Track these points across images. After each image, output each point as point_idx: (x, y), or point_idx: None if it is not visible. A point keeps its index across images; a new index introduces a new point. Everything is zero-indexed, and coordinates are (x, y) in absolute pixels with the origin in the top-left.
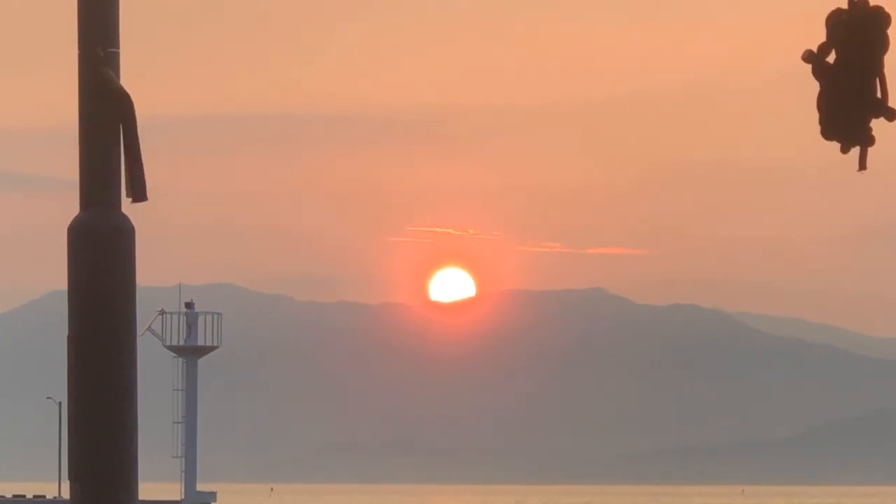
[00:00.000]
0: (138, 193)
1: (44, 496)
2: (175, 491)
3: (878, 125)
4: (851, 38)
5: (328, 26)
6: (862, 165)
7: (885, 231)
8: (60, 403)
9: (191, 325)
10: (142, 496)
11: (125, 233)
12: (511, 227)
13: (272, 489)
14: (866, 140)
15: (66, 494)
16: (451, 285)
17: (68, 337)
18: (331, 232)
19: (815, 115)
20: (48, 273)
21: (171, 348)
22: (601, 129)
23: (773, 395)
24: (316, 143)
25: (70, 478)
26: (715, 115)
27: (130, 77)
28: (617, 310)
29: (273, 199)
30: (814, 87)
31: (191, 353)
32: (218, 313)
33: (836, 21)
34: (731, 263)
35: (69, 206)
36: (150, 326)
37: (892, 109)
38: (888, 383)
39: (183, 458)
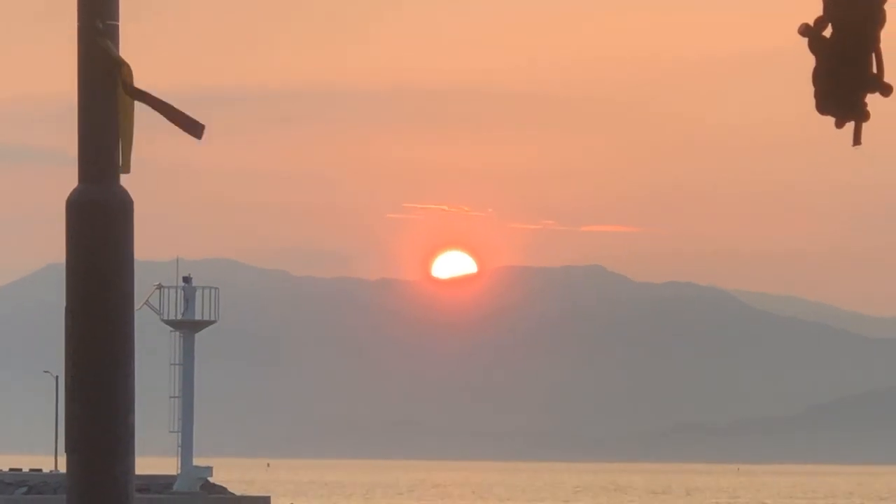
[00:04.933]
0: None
1: (40, 469)
2: (172, 465)
3: (873, 101)
4: (848, 12)
5: (323, 4)
6: (856, 141)
7: (882, 210)
8: (57, 377)
9: (188, 300)
10: (138, 470)
11: (124, 206)
12: (504, 205)
13: (269, 464)
14: (861, 115)
15: (62, 468)
16: (450, 262)
17: (66, 310)
18: (329, 208)
19: (811, 90)
20: (47, 246)
21: (168, 322)
22: (595, 107)
23: (770, 373)
24: (313, 120)
25: (67, 451)
26: (710, 91)
27: (134, 49)
28: (614, 287)
29: (271, 174)
30: (810, 61)
31: (188, 327)
32: (215, 288)
33: None
34: (728, 242)
35: (69, 179)
36: (147, 300)
37: (887, 85)
38: (884, 362)
39: (179, 433)
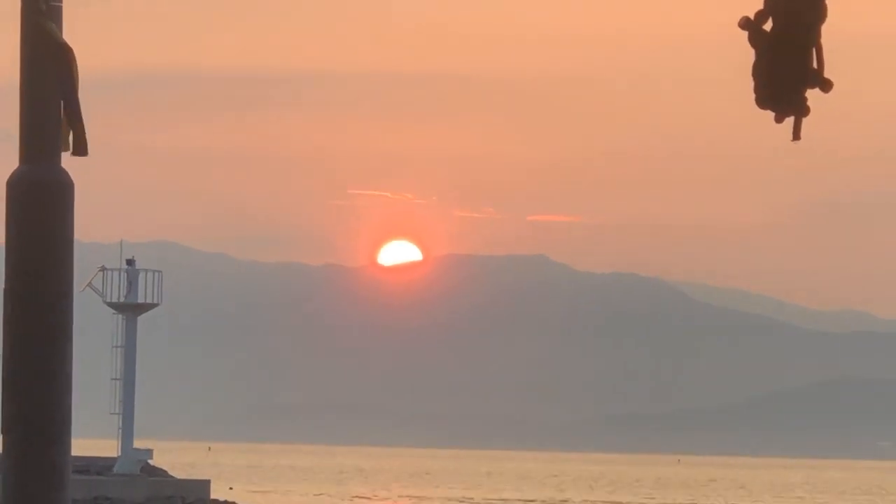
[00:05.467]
0: (79, 148)
1: None
2: (112, 448)
3: (815, 98)
4: (789, 6)
5: None
6: (796, 136)
7: (827, 205)
8: None
9: (131, 282)
10: (79, 452)
11: (63, 187)
12: (448, 193)
13: (210, 448)
14: (801, 110)
15: None
16: (393, 248)
17: (3, 290)
18: (272, 193)
19: (743, 71)
20: None
21: (111, 305)
22: (538, 94)
23: (712, 365)
24: (258, 104)
25: (2, 432)
26: (657, 86)
27: (78, 31)
28: (557, 276)
29: (216, 159)
30: (749, 55)
31: (131, 310)
32: (158, 271)
33: None
34: (672, 233)
35: (10, 160)
36: (90, 282)
37: (827, 80)
38: (826, 355)
39: (120, 415)
